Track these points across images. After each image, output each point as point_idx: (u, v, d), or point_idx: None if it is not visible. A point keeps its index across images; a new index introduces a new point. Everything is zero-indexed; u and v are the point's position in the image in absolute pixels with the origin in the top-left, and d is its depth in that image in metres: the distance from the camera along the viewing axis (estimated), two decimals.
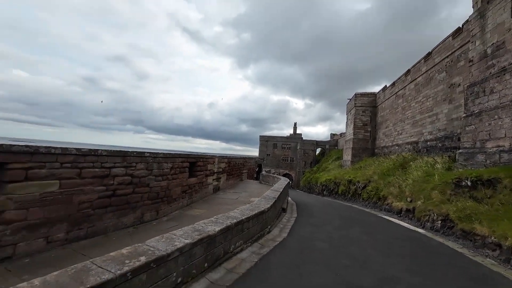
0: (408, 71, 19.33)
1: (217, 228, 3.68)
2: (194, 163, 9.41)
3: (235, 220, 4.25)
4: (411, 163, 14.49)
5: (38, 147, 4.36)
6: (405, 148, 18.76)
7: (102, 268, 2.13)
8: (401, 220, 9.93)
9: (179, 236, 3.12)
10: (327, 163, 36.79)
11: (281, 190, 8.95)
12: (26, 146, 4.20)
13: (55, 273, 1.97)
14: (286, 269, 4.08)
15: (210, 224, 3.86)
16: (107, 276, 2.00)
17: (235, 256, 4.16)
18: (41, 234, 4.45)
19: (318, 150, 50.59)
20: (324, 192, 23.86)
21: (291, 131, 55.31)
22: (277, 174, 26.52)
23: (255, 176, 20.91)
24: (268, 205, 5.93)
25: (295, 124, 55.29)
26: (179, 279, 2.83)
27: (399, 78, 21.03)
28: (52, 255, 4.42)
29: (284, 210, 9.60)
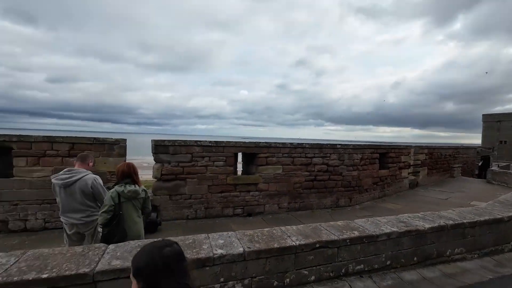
0: None
1: (427, 225, 3.37)
2: (384, 154, 8.86)
3: (451, 222, 3.59)
4: None
5: (271, 143, 6.50)
6: None
7: (327, 230, 2.90)
8: None
9: (384, 223, 3.29)
10: None
11: None
12: (265, 142, 6.44)
13: (300, 226, 3.01)
14: None
15: (417, 219, 3.61)
16: (333, 237, 2.71)
17: (453, 262, 3.54)
18: (275, 201, 6.60)
19: None
20: None
21: None
22: None
23: (476, 172, 15.16)
24: (510, 214, 4.26)
25: None
26: (388, 262, 3.02)
27: None
28: (282, 217, 6.41)
29: None
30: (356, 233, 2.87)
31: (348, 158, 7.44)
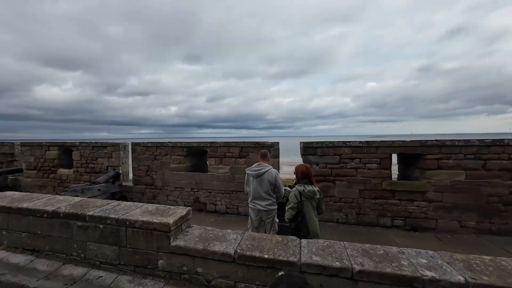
0: None
1: None
2: None
3: None
4: None
5: (445, 140, 5.05)
6: None
7: None
8: None
9: None
10: None
11: None
12: (436, 140, 5.08)
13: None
14: None
15: None
16: None
17: None
18: (454, 216, 5.03)
19: None
20: None
21: None
22: None
23: None
24: None
25: None
26: None
27: None
28: (467, 239, 4.77)
29: None
30: None
31: None
